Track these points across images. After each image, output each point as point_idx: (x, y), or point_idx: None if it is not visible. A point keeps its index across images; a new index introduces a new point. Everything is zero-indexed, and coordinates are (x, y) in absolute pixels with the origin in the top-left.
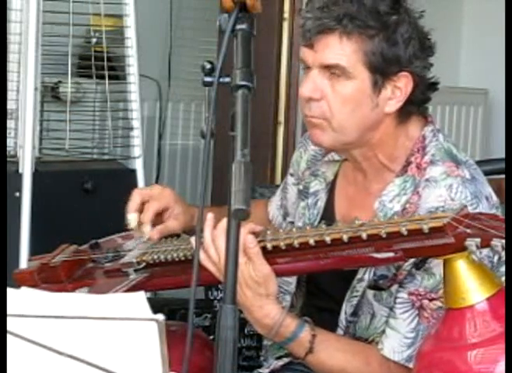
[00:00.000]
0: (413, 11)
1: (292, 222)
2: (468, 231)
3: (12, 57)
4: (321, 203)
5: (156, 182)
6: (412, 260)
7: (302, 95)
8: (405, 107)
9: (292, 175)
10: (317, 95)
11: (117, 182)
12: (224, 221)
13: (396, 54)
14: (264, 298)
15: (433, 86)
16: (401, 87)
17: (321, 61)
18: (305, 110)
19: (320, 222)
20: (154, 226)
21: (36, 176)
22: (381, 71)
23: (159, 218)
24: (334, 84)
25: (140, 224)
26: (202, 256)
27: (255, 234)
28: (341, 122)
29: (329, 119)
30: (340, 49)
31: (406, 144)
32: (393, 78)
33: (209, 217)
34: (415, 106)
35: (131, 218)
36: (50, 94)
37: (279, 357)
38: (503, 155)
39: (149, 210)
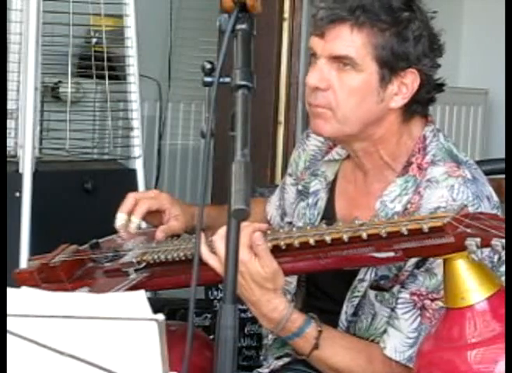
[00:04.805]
0: (425, 10)
1: (290, 222)
2: (468, 230)
3: (12, 57)
4: (322, 203)
5: (156, 182)
6: (413, 261)
7: (308, 84)
8: (410, 106)
9: (290, 175)
10: (324, 85)
11: (117, 182)
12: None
13: (405, 51)
14: (272, 293)
15: (439, 87)
16: (407, 83)
17: (330, 52)
18: (310, 99)
19: (320, 222)
20: (147, 223)
21: (36, 176)
22: (390, 66)
23: (158, 219)
24: (342, 75)
25: (128, 224)
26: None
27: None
28: (345, 113)
29: (334, 109)
30: (350, 40)
31: (408, 143)
32: (400, 74)
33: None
34: (419, 106)
35: (118, 217)
36: (50, 94)
37: (279, 357)
38: (502, 155)
39: (141, 207)
